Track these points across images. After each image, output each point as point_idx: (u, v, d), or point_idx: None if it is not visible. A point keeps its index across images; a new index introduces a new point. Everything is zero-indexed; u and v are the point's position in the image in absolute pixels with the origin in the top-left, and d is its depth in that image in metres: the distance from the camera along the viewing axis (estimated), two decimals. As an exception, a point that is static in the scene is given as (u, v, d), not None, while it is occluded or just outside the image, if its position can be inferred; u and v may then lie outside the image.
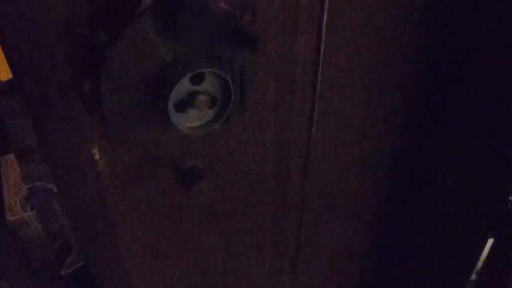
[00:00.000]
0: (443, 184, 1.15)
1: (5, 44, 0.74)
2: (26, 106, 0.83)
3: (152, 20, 0.66)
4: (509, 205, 1.00)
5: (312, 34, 0.85)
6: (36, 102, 0.81)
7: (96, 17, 0.68)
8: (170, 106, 0.70)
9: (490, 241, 1.08)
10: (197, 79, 0.71)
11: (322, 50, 0.79)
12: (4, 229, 1.66)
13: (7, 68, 0.81)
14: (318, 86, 0.89)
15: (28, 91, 0.80)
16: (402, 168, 1.17)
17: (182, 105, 0.72)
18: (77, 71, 0.72)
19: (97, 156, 0.83)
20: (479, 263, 1.12)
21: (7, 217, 1.61)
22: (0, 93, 1.86)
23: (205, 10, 0.67)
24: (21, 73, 0.78)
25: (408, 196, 1.22)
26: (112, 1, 0.68)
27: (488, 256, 1.08)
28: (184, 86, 0.70)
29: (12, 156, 1.85)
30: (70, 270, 1.48)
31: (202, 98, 0.71)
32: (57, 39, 0.69)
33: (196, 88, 0.72)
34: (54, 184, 0.90)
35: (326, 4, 0.78)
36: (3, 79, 1.84)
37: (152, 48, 0.68)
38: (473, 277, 1.13)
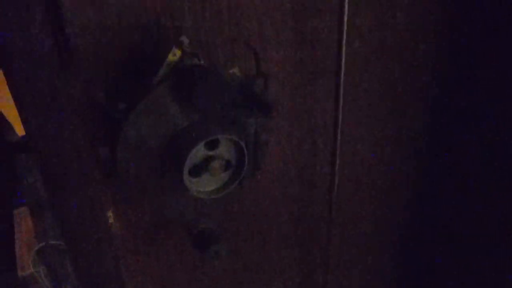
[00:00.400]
0: (472, 227, 1.13)
1: (23, 110, 0.76)
2: (41, 168, 0.84)
3: (168, 89, 0.68)
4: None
5: (330, 96, 0.87)
6: (51, 165, 0.82)
7: (114, 87, 0.70)
8: (185, 171, 0.71)
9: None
10: (212, 144, 0.72)
11: (340, 117, 0.80)
12: (15, 285, 1.64)
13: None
14: (339, 146, 0.90)
15: (44, 155, 0.81)
16: (428, 207, 1.16)
17: (197, 170, 0.72)
18: (94, 137, 0.74)
19: (111, 219, 0.83)
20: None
21: (18, 272, 1.60)
22: (17, 147, 1.89)
23: (219, 78, 0.68)
24: (37, 136, 0.79)
25: (435, 236, 1.19)
26: (129, 71, 0.71)
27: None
28: (199, 152, 0.71)
29: (26, 209, 1.86)
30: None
31: (216, 163, 0.72)
32: (75, 108, 0.71)
33: (210, 153, 0.72)
34: (65, 244, 0.89)
35: (343, 69, 0.80)
36: (20, 134, 1.88)
37: (168, 115, 0.70)
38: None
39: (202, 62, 0.70)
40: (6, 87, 0.78)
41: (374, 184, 1.08)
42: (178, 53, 0.68)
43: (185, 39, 0.68)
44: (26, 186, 1.65)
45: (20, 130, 1.93)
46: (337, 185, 0.98)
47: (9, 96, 0.79)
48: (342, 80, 0.89)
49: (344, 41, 0.87)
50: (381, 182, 1.09)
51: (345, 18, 0.85)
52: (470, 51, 0.98)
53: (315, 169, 0.97)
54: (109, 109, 0.69)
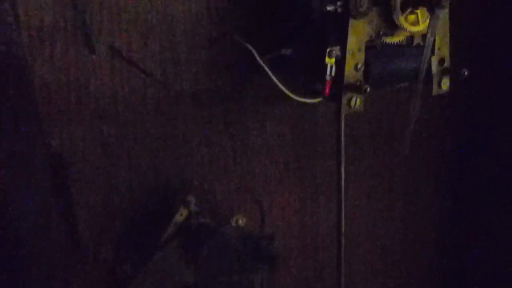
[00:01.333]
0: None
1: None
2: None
3: (175, 249, 0.69)
4: None
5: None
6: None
7: (122, 247, 0.71)
8: (190, 332, 0.69)
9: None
10: (218, 302, 0.71)
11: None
12: None
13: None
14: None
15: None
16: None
17: (202, 330, 0.71)
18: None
19: None
20: None
21: None
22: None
23: (224, 238, 0.70)
24: None
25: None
26: (137, 231, 0.72)
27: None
28: (204, 311, 0.70)
29: None
30: None
31: (222, 323, 0.70)
32: (83, 268, 0.72)
33: (216, 311, 0.71)
34: None
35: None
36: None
37: (174, 274, 0.70)
38: None
39: (207, 220, 0.72)
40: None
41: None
42: (184, 213, 0.71)
43: (191, 199, 0.71)
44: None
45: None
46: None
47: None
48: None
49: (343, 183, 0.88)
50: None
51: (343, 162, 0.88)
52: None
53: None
54: (116, 270, 0.70)
